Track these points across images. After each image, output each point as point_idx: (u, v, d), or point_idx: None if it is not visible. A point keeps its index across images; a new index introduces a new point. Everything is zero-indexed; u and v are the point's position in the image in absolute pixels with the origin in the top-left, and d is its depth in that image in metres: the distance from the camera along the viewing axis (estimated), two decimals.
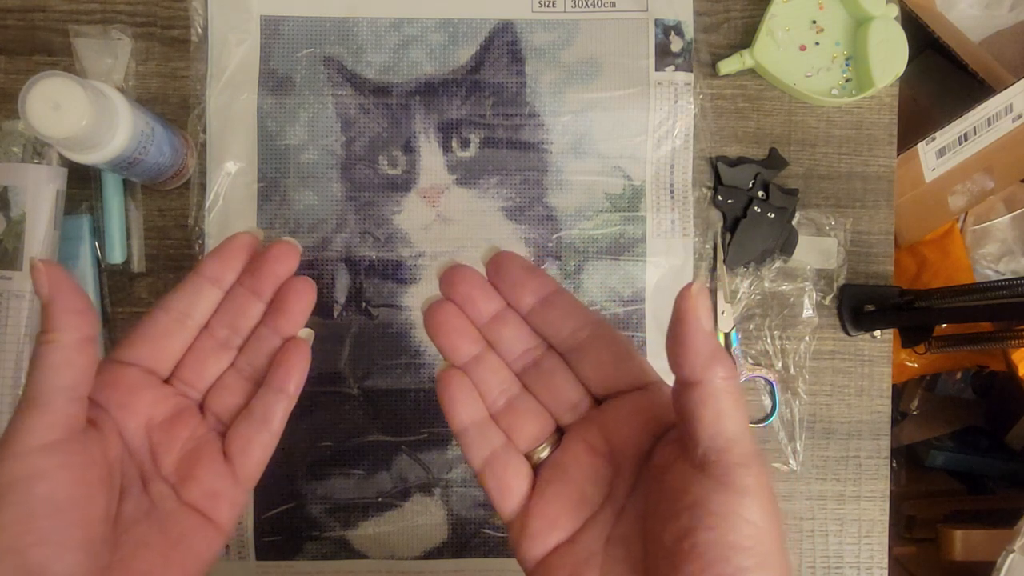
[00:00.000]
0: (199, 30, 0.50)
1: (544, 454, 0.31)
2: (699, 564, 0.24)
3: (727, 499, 0.24)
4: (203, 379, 0.33)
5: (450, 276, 0.31)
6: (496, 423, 0.31)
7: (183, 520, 0.30)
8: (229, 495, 0.32)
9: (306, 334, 0.34)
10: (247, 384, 0.33)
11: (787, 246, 0.52)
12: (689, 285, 0.26)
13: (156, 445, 0.31)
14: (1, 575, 0.25)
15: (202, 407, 0.33)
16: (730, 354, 0.52)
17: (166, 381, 0.33)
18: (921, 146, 0.65)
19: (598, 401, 0.31)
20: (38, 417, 0.27)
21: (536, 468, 0.31)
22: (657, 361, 0.50)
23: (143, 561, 0.29)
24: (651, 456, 0.29)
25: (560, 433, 0.31)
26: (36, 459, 0.26)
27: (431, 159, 0.50)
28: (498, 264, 0.31)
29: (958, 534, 0.77)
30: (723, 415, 0.25)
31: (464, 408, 0.31)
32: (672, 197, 0.51)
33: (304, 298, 0.33)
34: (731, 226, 0.52)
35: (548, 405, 0.31)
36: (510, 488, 0.30)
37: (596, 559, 0.28)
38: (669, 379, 0.28)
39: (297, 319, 0.33)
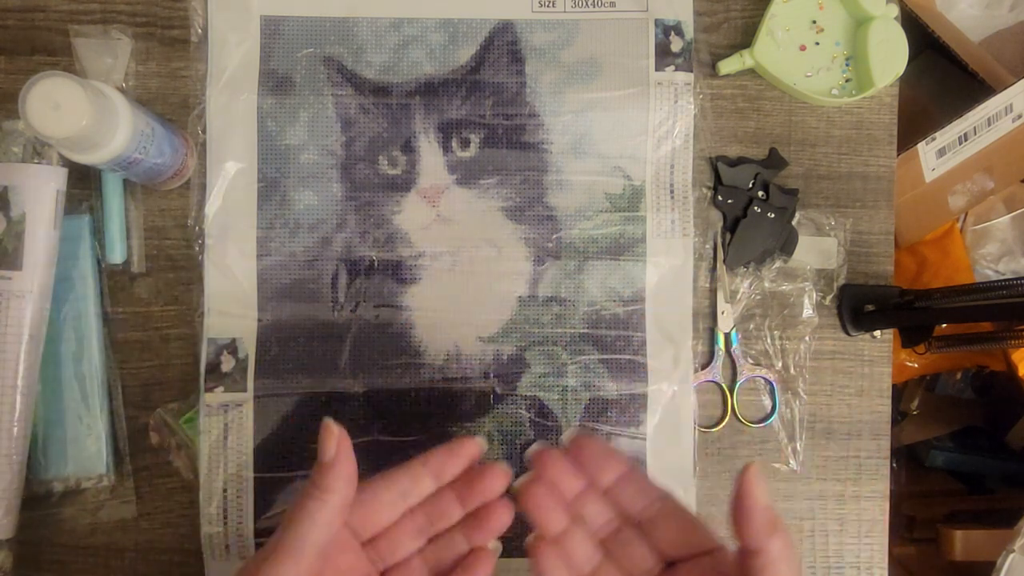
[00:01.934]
0: (199, 30, 0.50)
1: None
2: None
3: None
4: (394, 555, 0.36)
5: (541, 459, 0.36)
6: None
7: None
8: None
9: (494, 546, 0.37)
10: (428, 574, 0.36)
11: (787, 246, 0.52)
12: (750, 465, 0.32)
13: None
14: None
15: None
16: (730, 355, 0.52)
17: (363, 543, 0.36)
18: (921, 146, 0.65)
19: (670, 564, 0.35)
20: (292, 566, 0.31)
21: None
22: (656, 361, 0.50)
23: None
24: None
25: None
26: None
27: (431, 159, 0.50)
28: (580, 447, 0.36)
29: (958, 534, 0.77)
30: None
31: (555, 575, 0.34)
32: (672, 197, 0.51)
33: (503, 519, 0.36)
34: (731, 226, 0.52)
35: (627, 572, 0.35)
36: None
37: None
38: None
39: (492, 535, 0.36)
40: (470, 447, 0.37)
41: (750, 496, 0.31)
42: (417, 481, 0.36)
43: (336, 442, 0.33)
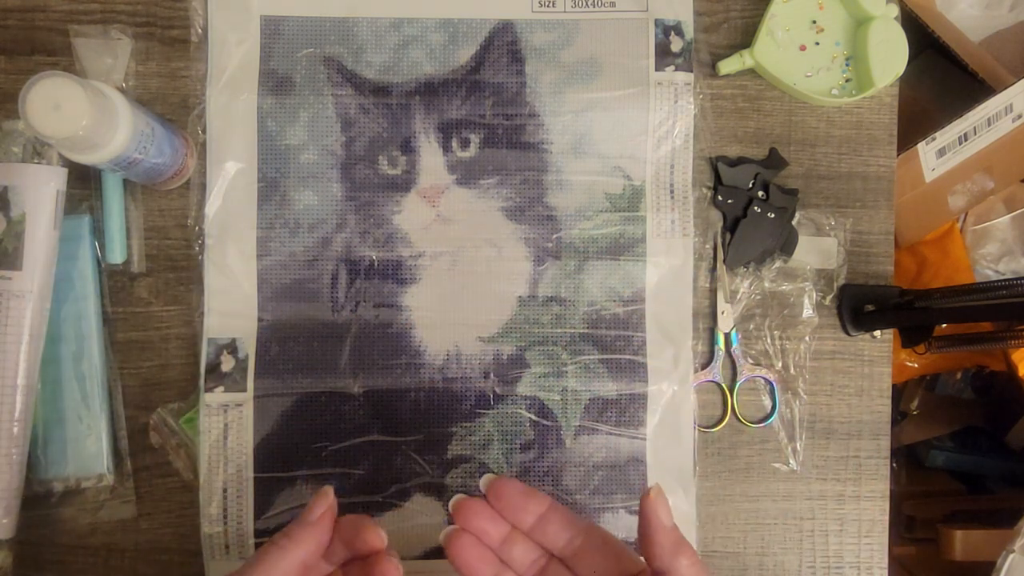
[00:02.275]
0: (199, 30, 0.50)
1: None
2: None
3: None
4: None
5: (462, 510, 0.36)
6: None
7: None
8: None
9: None
10: None
11: (787, 246, 0.52)
12: (650, 489, 0.34)
13: None
14: None
15: None
16: (730, 355, 0.52)
17: None
18: (921, 146, 0.65)
19: None
20: None
21: None
22: (656, 361, 0.50)
23: None
24: None
25: None
26: None
27: (431, 159, 0.50)
28: (498, 492, 0.36)
29: (958, 534, 0.77)
30: None
31: None
32: (672, 197, 0.51)
33: None
34: (731, 226, 0.52)
35: None
36: None
37: None
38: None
39: None
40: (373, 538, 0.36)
41: (654, 519, 0.33)
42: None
43: (325, 510, 0.36)
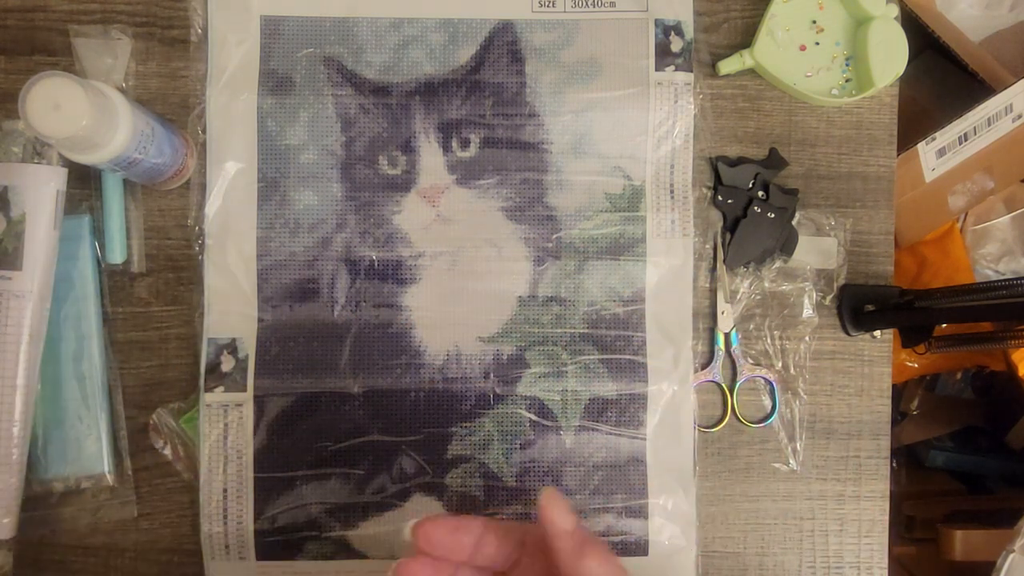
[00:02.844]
0: (199, 30, 0.50)
1: None
2: None
3: None
4: None
5: (403, 571, 0.34)
6: None
7: None
8: None
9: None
10: None
11: (787, 246, 0.52)
12: (543, 492, 0.32)
13: None
14: None
15: None
16: (730, 355, 0.52)
17: None
18: (921, 146, 0.65)
19: None
20: None
21: None
22: (656, 361, 0.50)
23: None
24: None
25: None
26: None
27: (431, 159, 0.50)
28: (427, 537, 0.35)
29: (958, 534, 0.77)
30: None
31: None
32: (672, 197, 0.51)
33: None
34: (731, 226, 0.52)
35: None
36: None
37: None
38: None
39: None
40: None
41: (552, 525, 0.32)
42: None
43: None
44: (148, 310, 0.50)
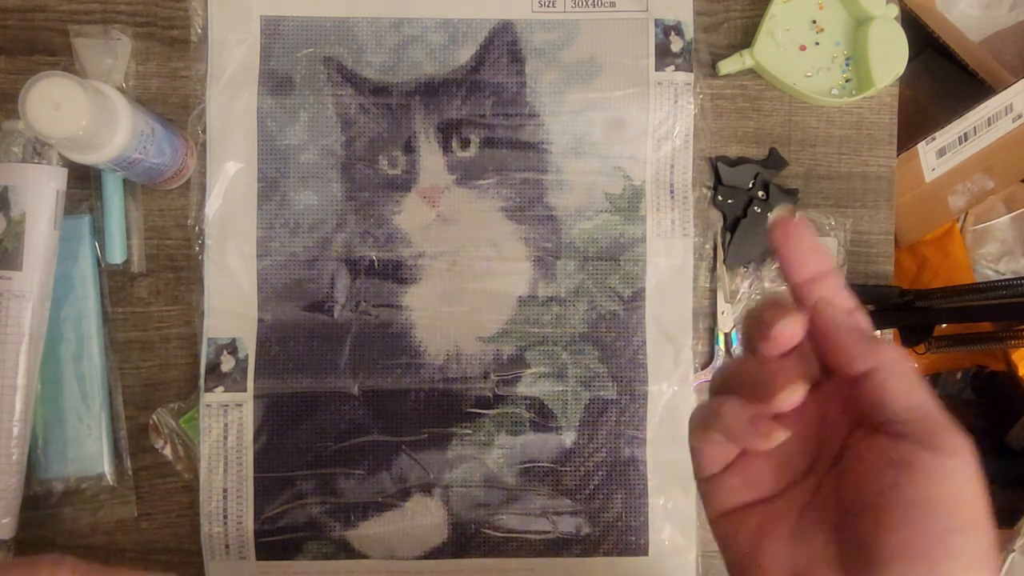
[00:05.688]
0: (199, 30, 0.50)
1: None
2: (903, 517, 0.24)
3: (934, 458, 0.25)
4: None
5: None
6: None
7: None
8: None
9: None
10: None
11: None
12: (777, 224, 0.26)
13: None
14: None
15: None
16: (730, 355, 0.52)
17: None
18: (921, 146, 0.65)
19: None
20: None
21: None
22: (656, 361, 0.50)
23: None
24: (853, 434, 0.28)
25: None
26: None
27: (431, 159, 0.50)
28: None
29: None
30: (914, 387, 0.26)
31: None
32: (672, 197, 0.51)
33: None
34: (731, 226, 0.52)
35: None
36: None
37: (788, 519, 0.28)
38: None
39: None
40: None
41: (835, 322, 0.25)
42: None
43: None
44: (148, 310, 0.50)
